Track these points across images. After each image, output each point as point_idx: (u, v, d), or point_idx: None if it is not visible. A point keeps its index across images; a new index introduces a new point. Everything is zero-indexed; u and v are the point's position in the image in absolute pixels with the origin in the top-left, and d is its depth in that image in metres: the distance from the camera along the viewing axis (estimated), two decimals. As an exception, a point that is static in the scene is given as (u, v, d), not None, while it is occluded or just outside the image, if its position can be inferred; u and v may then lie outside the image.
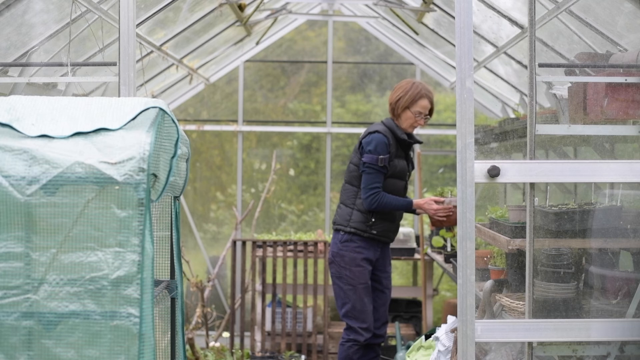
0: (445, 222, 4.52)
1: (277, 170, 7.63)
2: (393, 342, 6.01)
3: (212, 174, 8.03)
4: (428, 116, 4.61)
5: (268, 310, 6.54)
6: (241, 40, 7.23)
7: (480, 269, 4.15)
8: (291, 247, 6.57)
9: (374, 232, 4.56)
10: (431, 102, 4.58)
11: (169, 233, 2.79)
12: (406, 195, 4.71)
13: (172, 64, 6.33)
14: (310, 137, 8.05)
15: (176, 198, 2.74)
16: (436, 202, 4.49)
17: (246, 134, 7.86)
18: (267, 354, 6.17)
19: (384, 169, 4.46)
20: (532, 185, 3.08)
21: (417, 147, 7.72)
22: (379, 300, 4.71)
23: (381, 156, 4.44)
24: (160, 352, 2.73)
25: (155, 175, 2.29)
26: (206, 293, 6.78)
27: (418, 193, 7.04)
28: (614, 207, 3.46)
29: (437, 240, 6.17)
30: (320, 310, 6.79)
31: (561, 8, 3.78)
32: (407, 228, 7.30)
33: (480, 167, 2.96)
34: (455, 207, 4.38)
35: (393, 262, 8.39)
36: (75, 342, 2.20)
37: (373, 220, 4.56)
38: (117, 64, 3.28)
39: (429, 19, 6.19)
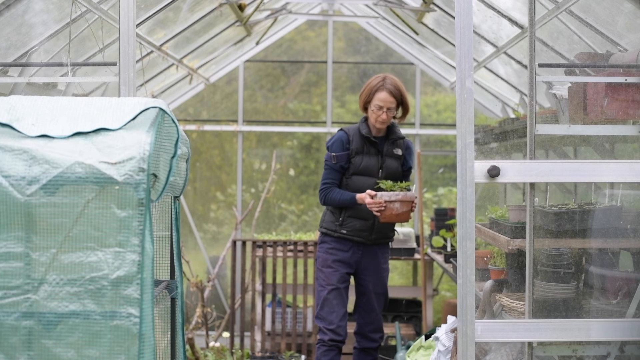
0: (383, 217, 4.30)
1: (277, 170, 7.63)
2: (393, 342, 6.01)
3: (212, 174, 8.03)
4: (394, 110, 4.43)
5: (268, 310, 6.55)
6: (241, 40, 7.23)
7: (480, 269, 4.15)
8: (291, 247, 6.57)
9: (344, 231, 4.46)
10: (394, 95, 4.39)
11: (169, 233, 2.79)
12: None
13: (172, 64, 6.33)
14: (310, 137, 8.06)
15: (176, 198, 2.74)
16: (371, 196, 4.31)
17: (246, 134, 7.86)
18: (267, 354, 6.17)
19: (337, 166, 4.43)
20: (532, 185, 3.08)
21: (417, 147, 7.74)
22: (365, 306, 4.56)
23: (334, 154, 4.43)
24: (160, 352, 2.73)
25: (155, 175, 2.29)
26: (206, 293, 6.78)
27: (418, 193, 7.04)
28: (614, 207, 3.46)
29: (437, 240, 6.18)
30: (320, 310, 6.79)
31: (561, 8, 3.78)
32: (407, 228, 7.31)
33: (480, 167, 2.96)
34: (386, 202, 4.23)
35: (393, 262, 8.40)
36: (75, 342, 2.20)
37: (341, 219, 4.47)
38: (117, 64, 3.28)
39: (429, 19, 6.19)
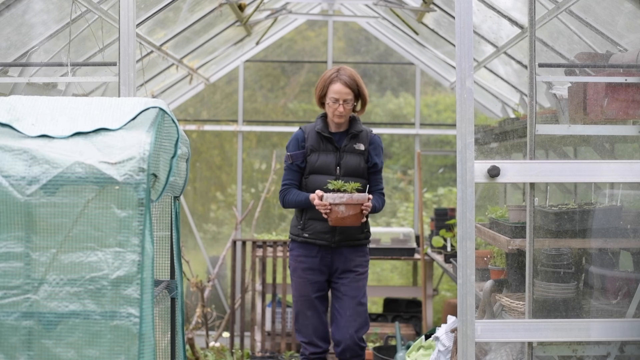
0: (331, 220, 3.94)
1: (277, 170, 7.62)
2: (393, 342, 6.01)
3: (212, 174, 8.03)
4: (352, 103, 4.12)
5: (268, 310, 6.55)
6: (241, 40, 7.23)
7: (480, 269, 4.15)
8: (291, 247, 6.57)
9: (306, 235, 4.15)
10: (349, 86, 4.09)
11: (169, 233, 2.79)
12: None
13: (172, 64, 6.33)
14: (310, 137, 8.05)
15: (176, 198, 2.74)
16: (319, 197, 3.97)
17: (246, 134, 7.86)
18: (267, 354, 6.16)
19: (293, 166, 4.17)
20: (532, 185, 3.08)
21: (417, 146, 7.74)
22: (340, 310, 4.17)
23: (289, 153, 4.18)
24: (160, 352, 2.73)
25: (155, 175, 2.29)
26: (206, 293, 6.78)
27: (418, 193, 7.04)
28: (614, 207, 3.46)
29: (437, 240, 6.18)
30: (320, 310, 6.79)
31: (561, 8, 3.78)
32: (407, 228, 7.31)
33: (480, 167, 2.96)
34: (331, 204, 3.89)
35: (393, 262, 8.40)
36: (75, 342, 2.20)
37: (302, 222, 4.18)
38: (117, 64, 3.28)
39: (429, 19, 6.19)
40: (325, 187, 4.03)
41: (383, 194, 4.28)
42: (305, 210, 4.15)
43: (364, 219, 4.05)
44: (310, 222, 4.14)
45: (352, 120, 4.23)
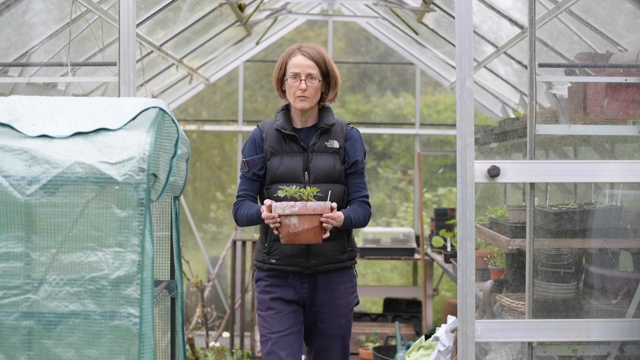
0: (282, 236, 3.08)
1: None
2: (393, 342, 6.01)
3: (212, 174, 8.03)
4: (317, 80, 3.25)
5: (268, 310, 6.53)
6: (241, 40, 7.23)
7: (480, 269, 4.15)
8: (291, 247, 6.55)
9: (273, 260, 3.26)
10: (313, 58, 3.25)
11: (169, 233, 2.79)
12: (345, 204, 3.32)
13: (172, 64, 6.33)
14: (310, 137, 8.05)
15: (176, 198, 2.74)
16: (268, 207, 3.10)
17: (246, 134, 7.86)
18: (267, 354, 6.16)
19: (250, 174, 3.27)
20: (532, 185, 3.08)
21: (417, 146, 7.73)
22: (318, 350, 3.36)
23: (244, 159, 3.30)
24: (160, 352, 2.73)
25: (155, 175, 2.29)
26: (206, 293, 6.78)
27: (418, 193, 7.04)
28: (614, 207, 3.46)
29: (437, 240, 6.18)
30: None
31: (561, 8, 3.78)
32: (407, 228, 7.31)
33: (480, 167, 2.96)
34: (280, 216, 3.03)
35: (393, 262, 8.39)
36: (75, 342, 2.20)
37: (267, 244, 3.28)
38: (117, 64, 3.28)
39: (429, 19, 6.19)
40: (275, 194, 3.18)
41: (367, 203, 3.32)
42: (270, 230, 3.20)
43: (326, 234, 3.09)
44: (276, 244, 3.23)
45: (322, 112, 3.35)
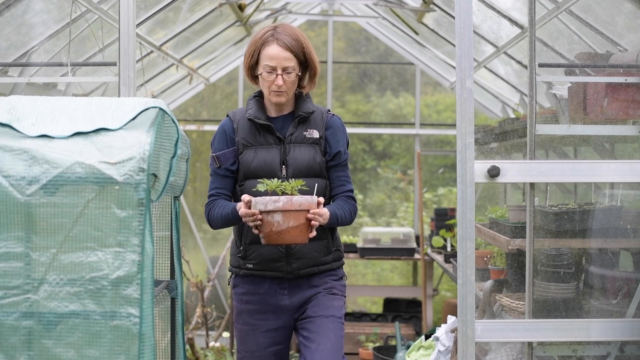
0: (263, 236, 2.76)
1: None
2: (393, 342, 6.01)
3: (212, 174, 8.03)
4: (295, 72, 2.92)
5: (268, 310, 6.52)
6: (241, 40, 7.23)
7: (480, 269, 4.15)
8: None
9: (249, 265, 2.98)
10: (290, 48, 2.89)
11: (169, 233, 2.79)
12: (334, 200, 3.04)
13: (172, 64, 6.33)
14: (310, 137, 8.05)
15: (176, 198, 2.74)
16: (246, 202, 2.79)
17: (246, 134, 7.86)
18: (267, 354, 6.15)
19: (221, 170, 3.01)
20: (532, 185, 3.08)
21: (417, 146, 7.73)
22: (311, 336, 2.93)
23: (214, 154, 3.02)
24: (160, 352, 2.73)
25: (155, 175, 2.29)
26: (206, 293, 6.78)
27: (418, 193, 7.04)
28: (614, 207, 3.46)
29: (437, 240, 6.18)
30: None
31: (561, 8, 3.79)
32: (407, 228, 7.31)
33: (480, 167, 2.96)
34: (262, 212, 2.71)
35: (393, 262, 8.39)
36: (75, 342, 2.20)
37: (242, 247, 3.01)
38: (117, 64, 3.28)
39: (429, 19, 6.19)
40: (254, 189, 2.87)
41: (352, 198, 3.05)
42: (245, 231, 2.97)
43: (312, 233, 2.77)
44: (253, 247, 2.96)
45: (299, 99, 3.04)
